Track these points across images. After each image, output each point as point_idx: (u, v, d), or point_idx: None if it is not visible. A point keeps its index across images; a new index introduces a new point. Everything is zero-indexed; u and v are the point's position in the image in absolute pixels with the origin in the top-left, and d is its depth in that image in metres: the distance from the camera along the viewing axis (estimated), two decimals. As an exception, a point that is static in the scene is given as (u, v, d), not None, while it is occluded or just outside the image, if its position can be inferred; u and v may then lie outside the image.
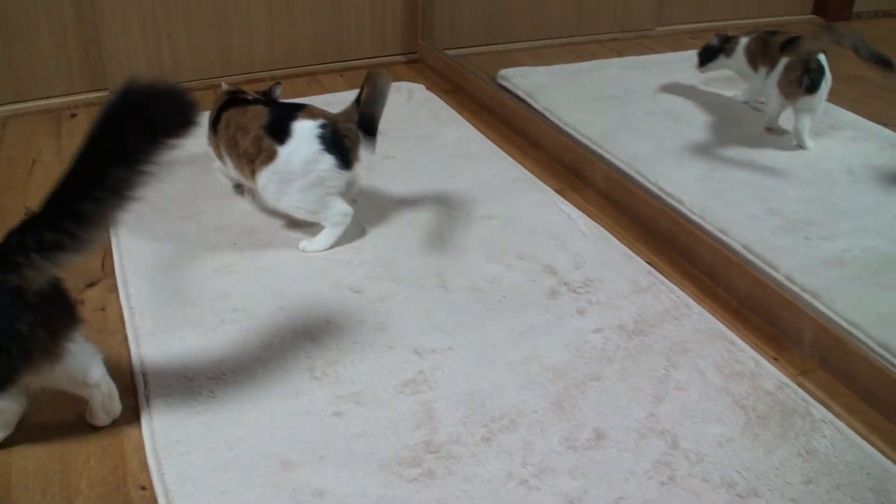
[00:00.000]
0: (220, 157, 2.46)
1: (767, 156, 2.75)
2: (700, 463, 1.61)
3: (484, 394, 1.77)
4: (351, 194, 2.34)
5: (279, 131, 2.21)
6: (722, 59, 3.14)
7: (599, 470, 1.59)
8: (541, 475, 1.58)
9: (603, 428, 1.69)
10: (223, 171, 2.54)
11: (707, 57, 3.19)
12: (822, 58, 2.76)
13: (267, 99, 2.48)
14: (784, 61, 2.78)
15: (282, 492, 1.54)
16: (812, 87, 2.73)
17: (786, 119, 2.90)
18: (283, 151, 2.20)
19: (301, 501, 1.52)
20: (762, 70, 2.94)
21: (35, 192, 2.71)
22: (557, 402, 1.75)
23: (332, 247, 2.29)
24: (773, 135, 2.92)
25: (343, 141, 2.20)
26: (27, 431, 1.72)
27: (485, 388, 1.79)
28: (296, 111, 2.25)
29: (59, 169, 2.79)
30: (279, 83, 2.65)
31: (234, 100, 2.43)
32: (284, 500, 1.52)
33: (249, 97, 2.46)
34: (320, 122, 2.21)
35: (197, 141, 2.87)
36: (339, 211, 2.28)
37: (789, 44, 2.82)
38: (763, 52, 2.95)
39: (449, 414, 1.72)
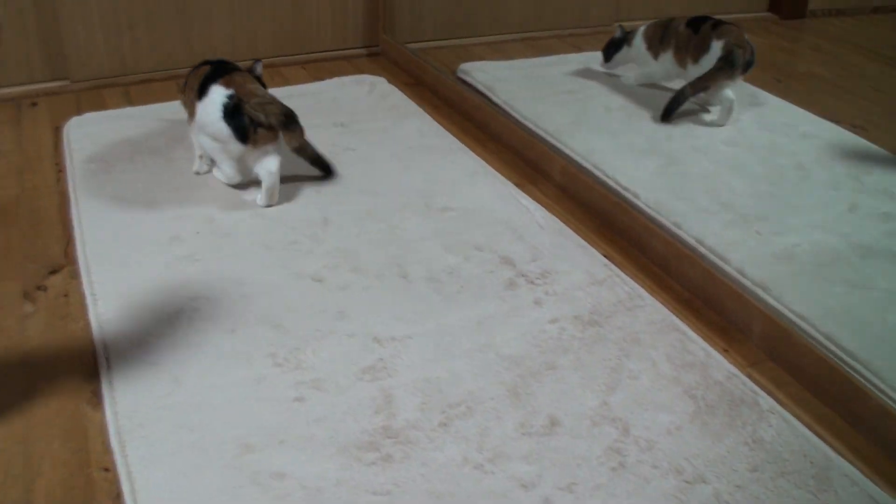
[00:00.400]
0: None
1: (721, 151, 2.81)
2: (650, 450, 1.66)
3: (441, 381, 1.81)
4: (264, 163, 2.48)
5: (202, 90, 2.47)
6: (625, 51, 3.27)
7: (553, 455, 1.64)
8: (496, 460, 1.62)
9: (557, 415, 1.73)
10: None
11: (612, 50, 3.29)
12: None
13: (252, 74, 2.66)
14: (720, 43, 2.92)
15: (241, 474, 1.57)
16: (748, 67, 2.94)
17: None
18: (199, 107, 2.48)
19: (260, 483, 1.55)
20: (666, 55, 3.12)
21: (-5, 179, 2.72)
22: (513, 389, 1.79)
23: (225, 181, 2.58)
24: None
25: (243, 117, 2.38)
26: (-11, 415, 1.74)
27: (442, 375, 1.83)
28: (219, 76, 2.48)
29: (19, 158, 2.83)
30: (260, 60, 2.77)
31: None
32: (244, 482, 1.55)
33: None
34: (230, 91, 2.41)
35: (158, 133, 2.90)
36: (226, 172, 2.54)
37: (716, 27, 2.99)
38: (666, 37, 3.14)
39: (407, 400, 1.75)
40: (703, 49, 2.97)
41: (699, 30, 3.03)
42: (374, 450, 1.63)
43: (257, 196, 2.50)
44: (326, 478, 1.57)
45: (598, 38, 3.65)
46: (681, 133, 2.93)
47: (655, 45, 3.19)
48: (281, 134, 2.44)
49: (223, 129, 2.40)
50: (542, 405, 1.76)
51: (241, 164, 2.51)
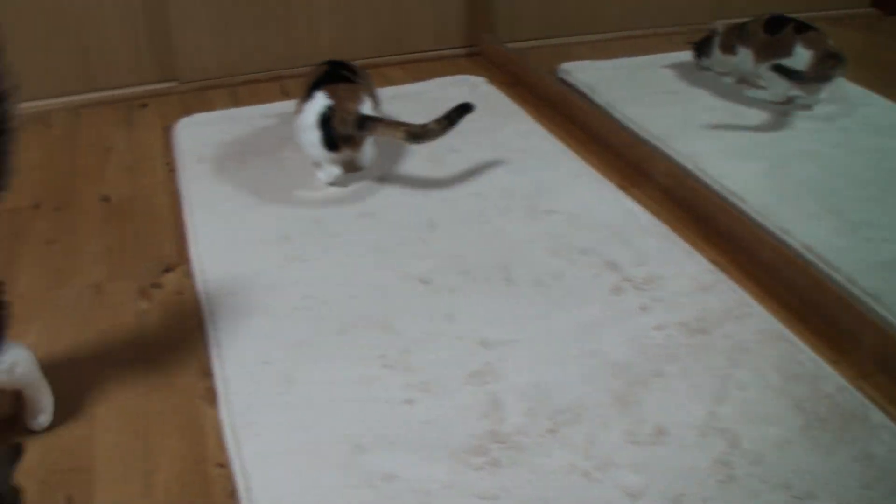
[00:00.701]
0: None
1: (827, 154, 2.75)
2: (759, 463, 1.64)
3: (549, 386, 1.82)
4: (355, 167, 2.69)
5: (308, 92, 2.61)
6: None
7: (660, 465, 1.63)
8: (603, 468, 1.62)
9: (664, 424, 1.73)
10: None
11: (703, 48, 3.29)
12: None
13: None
14: (809, 53, 2.93)
15: (354, 474, 1.60)
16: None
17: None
18: (303, 107, 2.60)
19: (372, 484, 1.58)
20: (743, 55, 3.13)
21: (111, 178, 2.81)
22: (620, 396, 1.79)
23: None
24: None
25: (335, 127, 2.51)
26: (109, 407, 1.81)
27: (549, 380, 1.84)
28: (327, 82, 2.61)
29: (132, 157, 2.92)
30: None
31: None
32: (356, 482, 1.59)
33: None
34: (328, 101, 2.54)
35: (265, 133, 2.96)
36: (325, 172, 2.64)
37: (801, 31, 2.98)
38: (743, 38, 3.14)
39: (515, 405, 1.77)
40: (786, 53, 2.93)
41: (780, 31, 2.98)
42: (483, 454, 1.65)
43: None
44: (435, 480, 1.59)
45: (700, 35, 3.61)
46: (786, 136, 2.89)
47: (730, 45, 3.16)
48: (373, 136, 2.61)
49: (314, 134, 2.55)
50: (649, 413, 1.75)
51: (341, 164, 2.64)
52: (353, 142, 2.57)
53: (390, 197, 2.55)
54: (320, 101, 2.55)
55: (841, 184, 2.58)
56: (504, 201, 2.54)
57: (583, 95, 3.21)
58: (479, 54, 3.85)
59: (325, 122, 2.52)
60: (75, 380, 1.90)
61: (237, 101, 3.40)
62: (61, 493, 1.60)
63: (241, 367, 1.89)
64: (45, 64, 3.35)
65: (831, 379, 1.85)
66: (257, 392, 1.81)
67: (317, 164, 2.66)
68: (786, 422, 1.74)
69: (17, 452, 1.25)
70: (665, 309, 2.07)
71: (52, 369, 1.90)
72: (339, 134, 2.53)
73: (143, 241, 2.42)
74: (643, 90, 3.25)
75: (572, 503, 1.55)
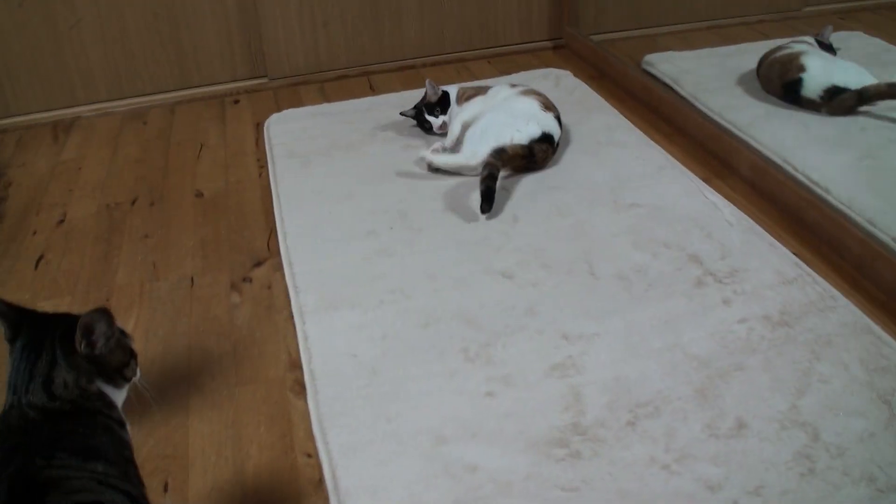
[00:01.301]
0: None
1: (920, 146, 2.71)
2: (841, 456, 1.64)
3: (629, 380, 1.84)
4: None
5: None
6: None
7: (740, 458, 1.64)
8: (682, 461, 1.64)
9: (745, 417, 1.73)
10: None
11: None
12: None
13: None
14: None
15: (436, 464, 1.65)
16: None
17: None
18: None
19: (454, 474, 1.62)
20: None
21: (204, 173, 2.90)
22: (701, 390, 1.80)
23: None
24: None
25: None
26: (204, 398, 1.89)
27: (630, 374, 1.86)
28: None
29: (224, 153, 3.01)
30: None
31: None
32: (438, 473, 1.63)
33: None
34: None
35: (353, 128, 3.02)
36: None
37: None
38: None
39: (595, 398, 1.79)
40: None
41: None
42: (563, 446, 1.68)
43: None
44: (516, 472, 1.62)
45: (787, 24, 3.57)
46: (876, 125, 2.82)
47: None
48: None
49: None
50: (729, 407, 1.76)
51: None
52: None
53: (473, 193, 2.58)
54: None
55: (932, 175, 2.53)
56: (587, 194, 2.56)
57: (667, 87, 3.19)
58: (564, 47, 3.85)
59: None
60: (170, 370, 1.98)
61: (326, 97, 3.47)
62: (158, 479, 1.68)
63: (328, 359, 1.95)
64: (141, 62, 3.48)
65: (918, 373, 1.83)
66: (344, 384, 1.87)
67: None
68: (869, 415, 1.73)
69: (105, 311, 1.29)
70: (747, 302, 2.07)
71: (149, 360, 1.99)
72: None
73: (234, 236, 2.51)
74: (728, 80, 3.22)
75: (652, 496, 1.57)
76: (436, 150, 2.74)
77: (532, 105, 2.72)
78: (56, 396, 1.22)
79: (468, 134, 2.70)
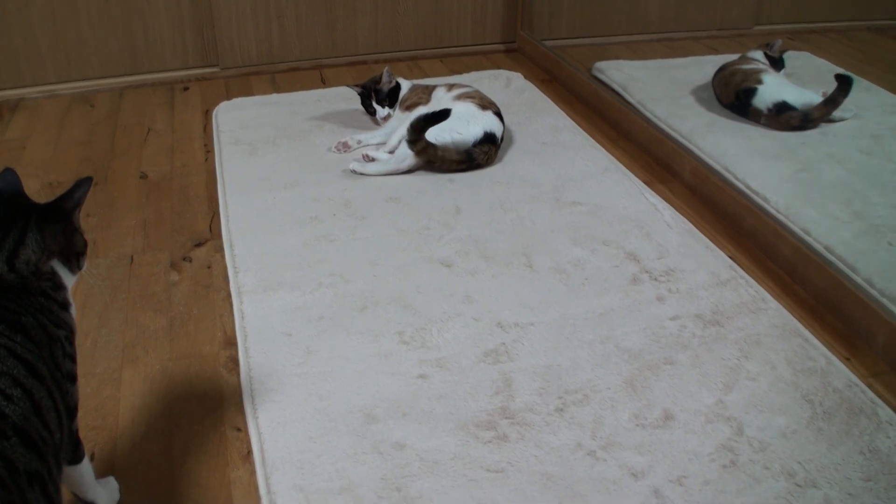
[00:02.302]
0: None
1: (856, 159, 2.76)
2: (763, 451, 1.67)
3: (561, 368, 1.86)
4: None
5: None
6: None
7: (665, 448, 1.67)
8: (608, 448, 1.66)
9: (672, 409, 1.76)
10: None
11: None
12: None
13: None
14: None
15: (365, 442, 1.66)
16: None
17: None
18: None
19: (382, 452, 1.63)
20: None
21: (149, 157, 2.89)
22: (630, 381, 1.83)
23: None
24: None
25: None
26: (135, 371, 1.88)
27: (562, 363, 1.88)
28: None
29: (171, 138, 3.00)
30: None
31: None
32: (367, 449, 1.64)
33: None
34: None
35: (301, 119, 3.02)
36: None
37: None
38: None
39: (526, 384, 1.81)
40: None
41: None
42: (491, 429, 1.69)
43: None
44: (444, 451, 1.64)
45: (737, 41, 3.63)
46: (816, 139, 2.89)
47: None
48: None
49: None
50: (657, 399, 1.79)
51: None
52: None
53: (417, 183, 2.60)
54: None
55: (867, 188, 2.58)
56: (530, 191, 2.58)
57: (615, 93, 3.24)
58: (517, 50, 3.90)
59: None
60: (104, 343, 1.97)
61: (277, 88, 3.47)
62: (86, 448, 1.66)
63: (263, 338, 1.95)
64: (91, 46, 3.45)
65: (842, 375, 1.87)
66: (277, 362, 1.87)
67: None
68: (793, 413, 1.77)
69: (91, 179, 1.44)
70: (681, 300, 2.10)
71: (83, 333, 1.98)
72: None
73: (176, 217, 2.50)
74: (675, 91, 3.27)
75: (576, 480, 1.59)
76: (360, 161, 2.74)
77: (468, 107, 2.73)
78: (15, 269, 1.30)
79: (404, 141, 2.70)
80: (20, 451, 1.10)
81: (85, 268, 1.46)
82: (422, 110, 2.79)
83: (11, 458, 1.07)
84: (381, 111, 2.92)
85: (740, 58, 3.20)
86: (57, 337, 1.31)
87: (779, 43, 3.25)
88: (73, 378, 1.35)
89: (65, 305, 1.38)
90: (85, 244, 1.45)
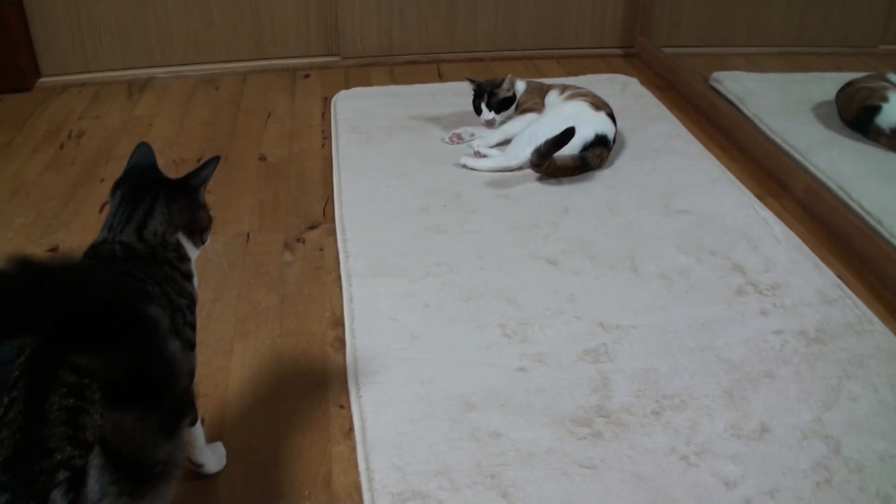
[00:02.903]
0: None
1: (979, 187, 2.70)
2: (859, 472, 1.66)
3: (659, 373, 1.88)
4: None
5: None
6: None
7: (759, 460, 1.67)
8: (702, 454, 1.67)
9: (769, 423, 1.76)
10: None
11: None
12: None
13: None
14: None
15: (462, 428, 1.70)
16: None
17: None
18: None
19: (478, 439, 1.68)
20: None
21: (269, 140, 2.99)
22: (728, 391, 1.84)
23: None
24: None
25: None
26: (246, 344, 1.96)
27: (661, 367, 1.89)
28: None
29: (290, 123, 3.09)
30: None
31: None
32: (464, 436, 1.68)
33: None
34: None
35: (417, 111, 3.08)
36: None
37: None
38: None
39: (624, 385, 1.83)
40: None
41: None
42: (587, 425, 1.72)
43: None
44: (539, 444, 1.67)
45: (861, 59, 3.57)
46: (938, 164, 2.84)
47: None
48: None
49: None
50: (755, 411, 1.79)
51: None
52: None
53: (528, 181, 2.63)
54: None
55: None
56: (639, 196, 2.60)
57: (731, 104, 3.22)
58: (635, 56, 3.89)
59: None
60: (219, 316, 2.06)
61: (394, 80, 3.54)
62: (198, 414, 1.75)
63: (370, 321, 2.01)
64: (219, 30, 3.58)
65: (947, 403, 1.85)
66: (382, 345, 1.93)
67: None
68: (892, 437, 1.74)
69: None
70: (785, 316, 2.09)
71: (199, 306, 2.06)
72: None
73: (292, 200, 2.58)
74: (794, 105, 3.23)
75: (667, 483, 1.61)
76: (471, 156, 2.78)
77: (581, 107, 2.76)
78: (144, 239, 1.39)
79: (516, 137, 2.74)
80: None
81: (208, 242, 1.55)
82: (532, 118, 2.83)
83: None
84: (487, 114, 2.94)
85: (870, 76, 3.14)
86: (179, 306, 1.39)
87: None
88: (192, 345, 1.43)
89: (188, 276, 1.46)
90: (210, 220, 1.54)
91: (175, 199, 1.45)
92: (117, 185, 1.46)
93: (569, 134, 2.57)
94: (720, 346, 1.98)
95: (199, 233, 1.50)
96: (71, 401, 1.07)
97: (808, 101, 3.28)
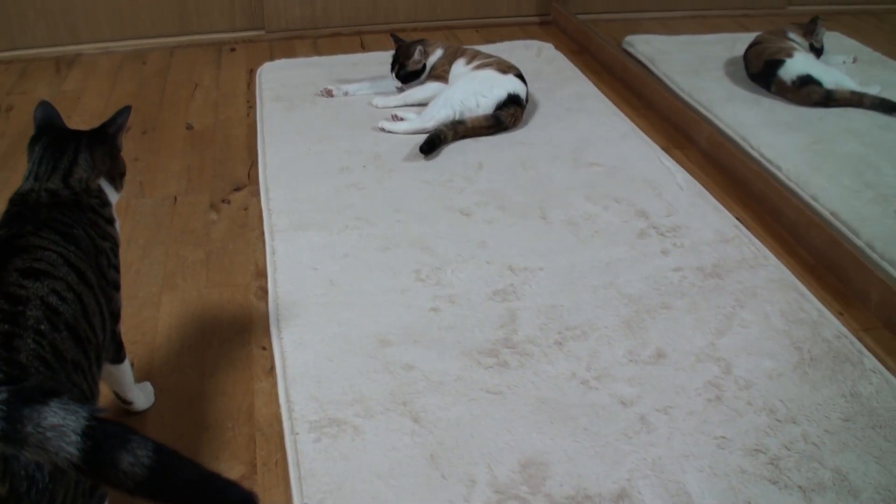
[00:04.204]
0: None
1: (875, 134, 2.84)
2: (747, 389, 1.79)
3: (563, 308, 2.00)
4: None
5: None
6: None
7: (655, 382, 1.80)
8: (601, 379, 1.80)
9: (664, 349, 1.89)
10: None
11: None
12: None
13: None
14: None
15: (377, 362, 1.82)
16: None
17: None
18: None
19: (392, 371, 1.79)
20: None
21: (195, 110, 3.06)
22: (627, 322, 1.97)
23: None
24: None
25: None
26: (175, 295, 2.05)
27: (565, 304, 2.02)
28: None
29: (216, 94, 3.17)
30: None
31: None
32: (378, 369, 1.80)
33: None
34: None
35: (340, 80, 3.17)
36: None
37: None
38: None
39: (529, 320, 1.96)
40: None
41: None
42: (494, 356, 1.84)
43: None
44: (449, 373, 1.79)
45: (770, 20, 3.70)
46: (835, 114, 2.97)
47: None
48: None
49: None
50: (651, 338, 1.92)
51: None
52: None
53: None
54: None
55: (881, 161, 2.66)
56: (551, 152, 2.72)
57: (642, 66, 3.34)
58: (551, 23, 4.01)
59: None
60: (147, 271, 2.15)
61: (318, 51, 3.63)
62: (127, 358, 1.84)
63: (291, 270, 2.11)
64: (145, 6, 3.63)
65: (833, 327, 1.98)
66: (303, 292, 2.04)
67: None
68: (780, 357, 1.88)
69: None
70: (684, 254, 2.22)
71: (127, 263, 2.15)
72: None
73: (218, 165, 2.67)
74: (701, 65, 3.36)
75: (569, 405, 1.73)
76: (389, 120, 2.87)
77: (488, 73, 2.87)
78: (69, 186, 1.47)
79: (433, 101, 2.85)
80: (69, 343, 1.24)
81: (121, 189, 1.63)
82: (436, 87, 2.96)
83: (61, 348, 1.22)
84: (395, 83, 3.10)
85: (771, 31, 3.28)
86: (103, 249, 1.48)
87: (822, 31, 3.33)
88: (116, 286, 1.52)
89: (110, 220, 1.54)
90: (124, 166, 1.63)
91: (97, 147, 1.54)
92: (35, 139, 1.54)
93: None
94: (622, 283, 2.10)
95: (118, 177, 1.59)
96: (5, 326, 1.16)
97: (716, 61, 3.41)
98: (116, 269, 1.53)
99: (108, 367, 1.55)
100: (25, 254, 1.28)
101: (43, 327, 1.20)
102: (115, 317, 1.52)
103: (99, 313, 1.37)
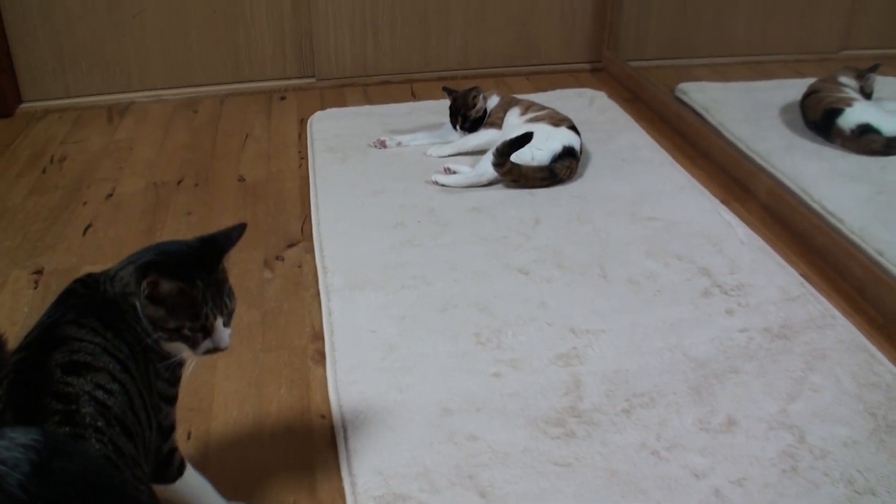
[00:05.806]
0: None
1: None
2: (823, 458, 1.73)
3: (629, 373, 1.95)
4: None
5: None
6: None
7: (727, 452, 1.74)
8: (672, 449, 1.74)
9: (735, 416, 1.83)
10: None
11: None
12: None
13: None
14: None
15: (440, 432, 1.77)
16: None
17: None
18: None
19: (456, 442, 1.74)
20: None
21: (247, 161, 3.06)
22: (696, 388, 1.91)
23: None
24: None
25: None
26: (231, 360, 2.02)
27: (630, 368, 1.97)
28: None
29: (268, 144, 3.17)
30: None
31: None
32: (442, 440, 1.75)
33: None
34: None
35: (391, 130, 3.15)
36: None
37: None
38: None
39: (595, 386, 1.91)
40: None
41: None
42: (560, 426, 1.79)
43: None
44: (514, 444, 1.74)
45: (823, 65, 3.66)
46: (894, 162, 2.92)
47: None
48: None
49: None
50: (721, 405, 1.86)
51: None
52: None
53: (499, 195, 2.72)
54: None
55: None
56: (607, 205, 2.68)
57: (696, 114, 3.30)
58: (602, 70, 3.98)
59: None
60: (203, 332, 2.12)
61: (369, 100, 3.62)
62: (182, 428, 1.81)
63: (349, 333, 2.08)
64: (197, 55, 3.65)
65: (908, 391, 1.92)
66: (361, 356, 2.00)
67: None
68: (855, 424, 1.82)
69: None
70: (750, 314, 2.17)
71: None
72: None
73: (271, 219, 2.65)
74: (756, 112, 3.32)
75: (639, 477, 1.67)
76: (442, 173, 2.85)
77: (542, 127, 2.83)
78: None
79: (486, 155, 2.81)
80: (122, 439, 1.19)
81: None
82: (491, 135, 2.95)
83: (118, 443, 1.18)
84: (457, 133, 3.08)
85: (823, 79, 3.24)
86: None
87: (873, 77, 3.28)
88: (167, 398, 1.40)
89: None
90: None
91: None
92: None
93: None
94: (687, 345, 2.05)
95: None
96: (66, 429, 1.12)
97: (771, 108, 3.37)
98: (168, 381, 1.41)
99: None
100: (64, 347, 1.23)
101: (100, 423, 1.16)
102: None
103: (143, 408, 1.30)
